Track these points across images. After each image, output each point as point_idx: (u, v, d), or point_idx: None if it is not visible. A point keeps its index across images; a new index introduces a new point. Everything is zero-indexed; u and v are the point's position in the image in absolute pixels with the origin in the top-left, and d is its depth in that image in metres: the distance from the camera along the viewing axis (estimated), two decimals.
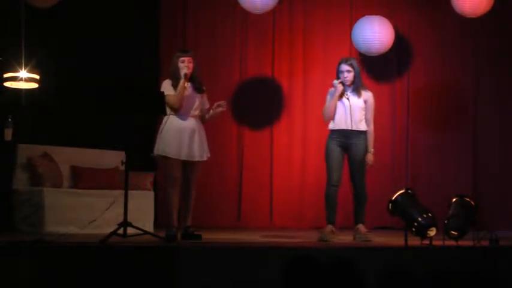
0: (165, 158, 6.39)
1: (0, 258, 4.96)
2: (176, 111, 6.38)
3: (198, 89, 6.53)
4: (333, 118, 6.61)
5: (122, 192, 6.04)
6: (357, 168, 6.60)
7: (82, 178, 7.67)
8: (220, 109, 6.56)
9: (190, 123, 6.43)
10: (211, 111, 6.59)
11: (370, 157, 6.61)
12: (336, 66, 6.72)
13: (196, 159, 6.44)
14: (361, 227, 6.61)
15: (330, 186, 6.60)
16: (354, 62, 6.67)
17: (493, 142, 8.99)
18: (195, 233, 6.43)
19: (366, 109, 6.62)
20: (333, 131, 6.64)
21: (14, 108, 7.52)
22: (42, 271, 4.95)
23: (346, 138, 6.57)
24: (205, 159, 6.53)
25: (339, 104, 6.58)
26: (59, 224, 7.04)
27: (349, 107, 6.55)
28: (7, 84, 7.41)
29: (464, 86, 9.12)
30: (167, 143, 6.35)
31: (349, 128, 6.56)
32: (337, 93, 6.56)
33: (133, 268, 5.08)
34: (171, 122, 6.38)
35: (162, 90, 6.42)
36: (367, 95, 6.66)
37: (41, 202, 7.13)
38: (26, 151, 7.51)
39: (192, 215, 6.55)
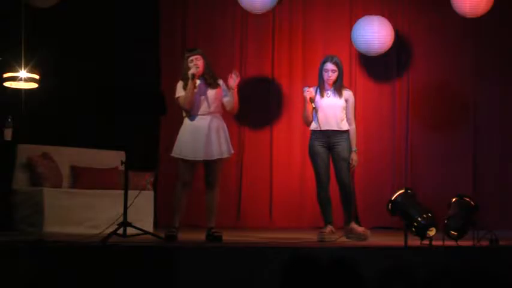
0: (181, 160, 6.35)
1: (0, 258, 4.96)
2: (188, 112, 6.33)
3: (210, 84, 6.42)
4: (311, 122, 6.58)
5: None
6: (343, 168, 6.55)
7: (82, 178, 7.66)
8: (232, 82, 6.35)
9: (205, 121, 6.33)
10: (228, 93, 6.41)
11: (354, 156, 6.57)
12: (320, 64, 6.68)
13: (215, 157, 6.33)
14: (355, 225, 6.59)
15: (322, 188, 6.58)
16: (339, 61, 6.61)
17: (493, 142, 8.99)
18: (216, 234, 6.34)
19: (347, 108, 6.60)
20: (315, 132, 6.58)
21: (14, 108, 7.52)
22: (42, 271, 4.95)
23: (329, 138, 6.54)
24: (225, 156, 6.41)
25: (320, 104, 6.53)
26: (58, 224, 7.03)
27: (330, 108, 6.52)
28: (7, 84, 7.42)
29: (464, 86, 9.12)
30: (182, 145, 6.30)
31: (332, 128, 6.53)
32: (307, 100, 6.50)
33: (133, 268, 5.07)
34: (186, 124, 6.34)
35: (176, 93, 6.38)
36: (348, 93, 6.63)
37: (41, 202, 7.12)
38: (25, 151, 7.50)
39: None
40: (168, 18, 9.06)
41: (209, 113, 6.36)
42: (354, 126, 6.63)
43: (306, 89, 6.57)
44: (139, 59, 8.54)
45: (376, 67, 9.07)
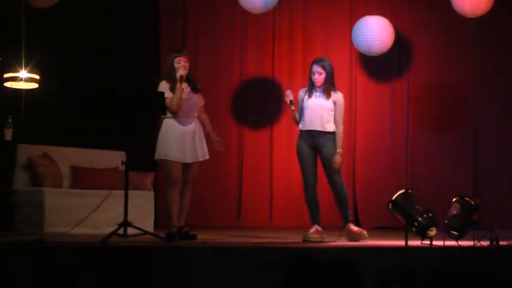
0: (168, 162, 6.37)
1: (0, 258, 4.96)
2: (175, 114, 6.34)
3: (194, 88, 6.49)
4: (299, 122, 6.62)
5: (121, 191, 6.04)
6: (331, 169, 6.56)
7: (82, 178, 7.66)
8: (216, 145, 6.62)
9: (191, 125, 6.40)
10: (213, 135, 6.59)
11: (337, 158, 6.50)
12: (310, 65, 6.68)
13: (200, 159, 6.45)
14: (352, 226, 6.56)
15: (308, 189, 6.58)
16: (327, 64, 6.59)
17: (494, 142, 8.98)
18: (190, 233, 6.43)
19: (335, 110, 6.60)
20: (302, 132, 6.62)
21: (14, 109, 7.52)
22: (42, 271, 4.95)
23: (314, 138, 6.54)
24: (207, 157, 6.53)
25: (307, 105, 6.56)
26: (59, 224, 7.03)
27: (316, 108, 6.53)
28: (7, 84, 7.42)
29: (464, 86, 9.11)
30: (170, 148, 6.31)
31: (316, 129, 6.53)
32: (288, 103, 6.64)
33: (133, 268, 5.07)
34: (172, 126, 6.33)
35: None
36: (337, 96, 6.60)
37: (41, 202, 7.12)
38: (26, 151, 7.51)
39: (187, 214, 6.55)
40: (168, 18, 9.06)
41: (193, 117, 6.46)
42: (340, 128, 6.56)
43: (287, 92, 6.68)
44: (140, 59, 8.54)
45: (377, 67, 9.07)
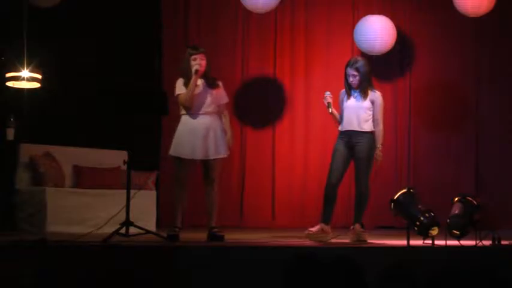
0: (178, 159, 6.36)
1: (2, 258, 4.96)
2: (188, 109, 6.30)
3: (211, 84, 6.42)
4: (339, 124, 6.67)
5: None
6: (361, 167, 6.58)
7: (84, 178, 7.67)
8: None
9: (204, 121, 6.33)
10: (227, 136, 6.46)
11: (378, 153, 6.59)
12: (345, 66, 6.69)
13: (212, 157, 6.34)
14: (357, 226, 6.56)
15: (328, 185, 6.59)
16: (361, 65, 6.60)
17: (495, 141, 8.98)
18: (218, 233, 6.35)
19: (373, 109, 6.62)
20: (340, 132, 6.67)
21: (16, 108, 7.53)
22: (44, 271, 4.95)
23: (351, 137, 6.58)
24: (222, 156, 6.41)
25: (346, 106, 6.62)
26: (61, 223, 7.04)
27: (353, 109, 6.56)
28: (9, 83, 7.43)
29: (466, 85, 9.11)
30: (181, 144, 6.29)
31: (353, 129, 6.56)
32: (326, 106, 6.63)
33: (135, 267, 5.08)
34: (185, 122, 6.32)
35: (175, 89, 6.37)
36: (375, 95, 6.64)
37: (43, 202, 7.13)
38: (28, 151, 7.51)
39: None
40: (170, 18, 9.06)
41: (208, 113, 6.37)
42: (380, 127, 6.61)
43: (326, 94, 6.69)
44: (142, 59, 8.54)
45: (378, 66, 9.04)
